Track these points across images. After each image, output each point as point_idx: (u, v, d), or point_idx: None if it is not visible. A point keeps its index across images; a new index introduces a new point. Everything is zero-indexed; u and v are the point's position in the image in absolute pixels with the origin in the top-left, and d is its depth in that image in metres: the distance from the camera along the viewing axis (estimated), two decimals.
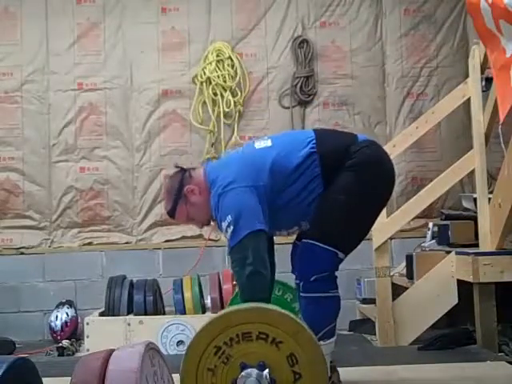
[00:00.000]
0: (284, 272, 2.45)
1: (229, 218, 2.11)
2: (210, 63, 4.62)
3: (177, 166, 2.41)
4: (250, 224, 2.10)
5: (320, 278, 2.14)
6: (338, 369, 2.29)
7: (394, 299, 3.61)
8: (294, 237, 2.42)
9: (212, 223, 2.39)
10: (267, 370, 1.75)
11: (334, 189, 2.19)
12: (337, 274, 2.25)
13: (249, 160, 2.26)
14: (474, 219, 3.53)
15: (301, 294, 2.19)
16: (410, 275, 3.77)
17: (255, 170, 2.20)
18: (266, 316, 1.79)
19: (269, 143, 2.30)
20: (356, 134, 2.37)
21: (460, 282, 3.34)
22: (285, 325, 1.77)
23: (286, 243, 2.48)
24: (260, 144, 2.31)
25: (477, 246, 3.40)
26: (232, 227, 2.10)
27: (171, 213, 2.37)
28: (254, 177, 2.18)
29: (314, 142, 2.24)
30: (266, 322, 1.77)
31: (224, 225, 2.13)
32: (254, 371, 1.75)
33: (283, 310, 1.84)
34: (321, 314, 2.16)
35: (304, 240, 2.20)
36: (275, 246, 2.43)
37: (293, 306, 2.61)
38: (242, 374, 1.76)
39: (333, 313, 2.20)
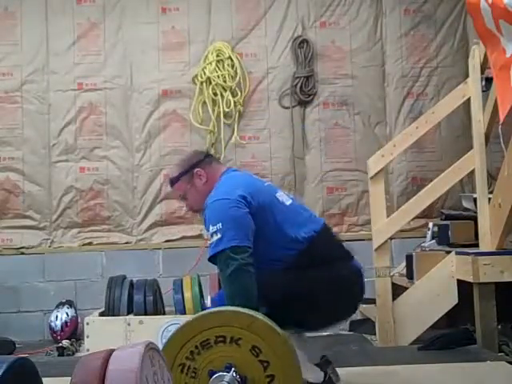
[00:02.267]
0: None
1: (219, 225, 2.07)
2: (210, 63, 4.62)
3: (207, 151, 2.46)
4: (238, 238, 2.07)
5: None
6: (339, 369, 2.29)
7: (394, 299, 3.61)
8: None
9: (198, 215, 2.39)
10: (233, 369, 1.76)
11: (300, 275, 2.13)
12: None
13: (263, 194, 2.23)
14: (474, 219, 3.53)
15: None
16: (409, 275, 3.77)
17: (258, 206, 2.17)
18: (217, 319, 1.81)
19: (288, 203, 2.28)
20: (353, 256, 2.30)
21: (460, 282, 3.34)
22: (237, 321, 1.79)
23: None
24: (281, 196, 2.30)
25: (477, 246, 3.40)
26: (219, 235, 2.06)
27: (173, 181, 2.39)
28: (254, 209, 2.15)
29: (314, 232, 2.21)
30: (219, 325, 1.79)
31: (211, 229, 2.09)
32: (221, 374, 1.77)
33: (232, 308, 1.86)
34: None
35: None
36: None
37: None
38: (210, 381, 1.77)
39: None
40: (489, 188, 3.41)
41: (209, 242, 2.11)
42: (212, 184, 2.28)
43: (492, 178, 3.91)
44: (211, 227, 2.10)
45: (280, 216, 2.21)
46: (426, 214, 4.22)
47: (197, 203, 2.33)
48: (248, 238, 2.09)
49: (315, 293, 2.11)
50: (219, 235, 2.07)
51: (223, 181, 2.28)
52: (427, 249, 3.92)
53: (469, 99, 3.56)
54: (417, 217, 3.93)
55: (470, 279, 3.17)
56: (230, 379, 1.75)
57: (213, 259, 2.11)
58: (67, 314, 4.33)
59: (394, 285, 3.71)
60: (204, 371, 1.79)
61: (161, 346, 1.69)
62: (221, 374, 1.77)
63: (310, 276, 2.12)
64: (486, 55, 3.04)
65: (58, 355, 3.91)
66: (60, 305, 4.40)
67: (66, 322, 4.30)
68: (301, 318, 2.10)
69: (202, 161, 2.35)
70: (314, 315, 2.14)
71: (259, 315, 1.82)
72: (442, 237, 3.84)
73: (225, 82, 4.61)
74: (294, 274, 2.14)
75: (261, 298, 2.03)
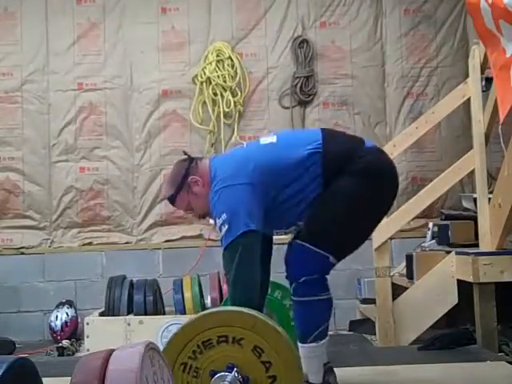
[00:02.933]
0: (280, 272, 2.39)
1: (223, 216, 2.09)
2: (210, 63, 4.62)
3: (185, 154, 2.41)
4: (244, 224, 2.08)
5: (309, 280, 2.12)
6: (339, 369, 2.28)
7: (394, 299, 3.61)
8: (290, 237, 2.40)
9: (209, 219, 2.40)
10: (235, 370, 1.76)
11: (333, 192, 2.16)
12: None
13: (250, 156, 2.24)
14: (474, 219, 3.53)
15: (292, 298, 2.18)
16: (410, 275, 3.76)
17: (255, 167, 2.17)
18: (220, 319, 1.80)
19: (274, 140, 2.29)
20: (363, 139, 2.33)
21: (460, 282, 3.34)
22: (240, 321, 1.78)
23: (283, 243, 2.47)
24: (265, 140, 2.31)
25: (477, 246, 3.40)
26: (226, 226, 2.08)
27: (172, 199, 2.36)
28: (252, 174, 2.16)
29: (320, 141, 2.21)
30: (221, 325, 1.78)
31: (218, 222, 2.11)
32: (223, 375, 1.76)
33: (235, 308, 1.86)
34: (313, 317, 2.15)
35: (296, 241, 2.18)
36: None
37: (283, 302, 2.64)
38: (212, 381, 1.76)
39: (324, 315, 2.18)
40: (489, 188, 3.41)
41: (221, 235, 2.11)
42: (208, 183, 2.27)
43: (492, 178, 3.91)
44: (218, 220, 2.11)
45: (277, 152, 2.22)
46: (426, 213, 4.22)
47: (203, 207, 2.32)
48: (255, 219, 2.10)
49: (361, 194, 2.16)
50: (226, 226, 2.08)
51: (215, 172, 2.25)
52: (427, 249, 3.91)
53: (469, 99, 3.56)
54: (417, 217, 3.92)
55: (470, 279, 3.16)
56: (232, 379, 1.75)
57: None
58: (67, 313, 4.33)
59: (393, 285, 3.71)
60: (206, 371, 1.79)
61: (161, 346, 1.69)
62: (223, 374, 1.76)
63: (343, 185, 2.16)
64: (486, 55, 3.04)
65: (58, 355, 3.92)
66: (60, 305, 4.40)
67: (66, 322, 4.30)
68: (362, 226, 2.22)
69: (189, 167, 2.33)
70: (372, 213, 2.23)
71: (262, 315, 1.82)
72: (442, 237, 3.84)
73: (225, 81, 4.61)
74: (336, 187, 2.17)
75: (321, 237, 2.13)
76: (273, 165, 2.19)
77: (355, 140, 2.33)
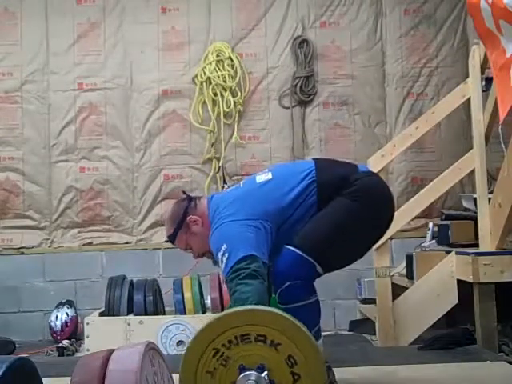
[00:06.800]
0: None
1: (224, 246, 2.08)
2: (210, 63, 4.62)
3: (184, 193, 2.46)
4: (243, 251, 2.05)
5: (293, 286, 2.10)
6: (339, 369, 2.29)
7: (394, 299, 3.61)
8: None
9: (206, 257, 2.39)
10: (266, 372, 1.74)
11: (328, 208, 2.19)
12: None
13: (249, 195, 2.25)
14: (474, 219, 3.53)
15: (279, 306, 2.14)
16: (410, 275, 3.77)
17: (255, 206, 2.19)
18: (263, 318, 1.78)
19: (269, 176, 2.30)
20: (357, 164, 2.36)
21: (460, 282, 3.34)
22: (282, 326, 1.76)
23: None
24: (261, 178, 2.32)
25: (477, 245, 3.40)
26: (227, 255, 2.06)
27: (171, 238, 2.41)
28: (253, 212, 2.17)
29: (314, 172, 2.24)
30: (263, 324, 1.76)
31: (220, 254, 2.09)
32: (252, 373, 1.74)
33: (281, 312, 1.82)
34: (302, 322, 2.15)
35: (286, 246, 2.17)
36: None
37: None
38: (241, 376, 1.75)
39: (314, 318, 2.17)
40: (489, 188, 3.41)
41: (223, 265, 2.08)
42: (207, 222, 2.29)
43: (492, 178, 3.91)
44: (219, 254, 2.10)
45: (275, 189, 2.24)
46: (426, 213, 4.22)
47: (203, 247, 2.33)
48: (255, 249, 2.08)
49: (354, 213, 2.18)
50: (227, 255, 2.06)
51: (214, 211, 2.27)
52: (427, 249, 3.91)
53: (469, 99, 3.55)
54: (417, 217, 3.93)
55: (469, 279, 3.17)
56: (260, 380, 1.74)
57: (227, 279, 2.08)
58: (67, 313, 4.33)
59: (394, 285, 3.71)
60: (235, 363, 1.76)
61: (161, 346, 1.69)
62: (253, 372, 1.74)
63: (336, 205, 2.18)
64: (486, 55, 3.04)
65: (58, 355, 3.92)
66: (60, 305, 4.40)
67: (66, 322, 4.30)
68: (356, 245, 2.21)
69: (188, 207, 2.36)
70: (365, 233, 2.23)
71: (305, 328, 1.79)
72: (442, 237, 3.84)
73: (225, 82, 4.61)
74: (330, 205, 2.19)
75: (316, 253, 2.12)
76: (274, 206, 2.20)
77: (349, 167, 2.35)
